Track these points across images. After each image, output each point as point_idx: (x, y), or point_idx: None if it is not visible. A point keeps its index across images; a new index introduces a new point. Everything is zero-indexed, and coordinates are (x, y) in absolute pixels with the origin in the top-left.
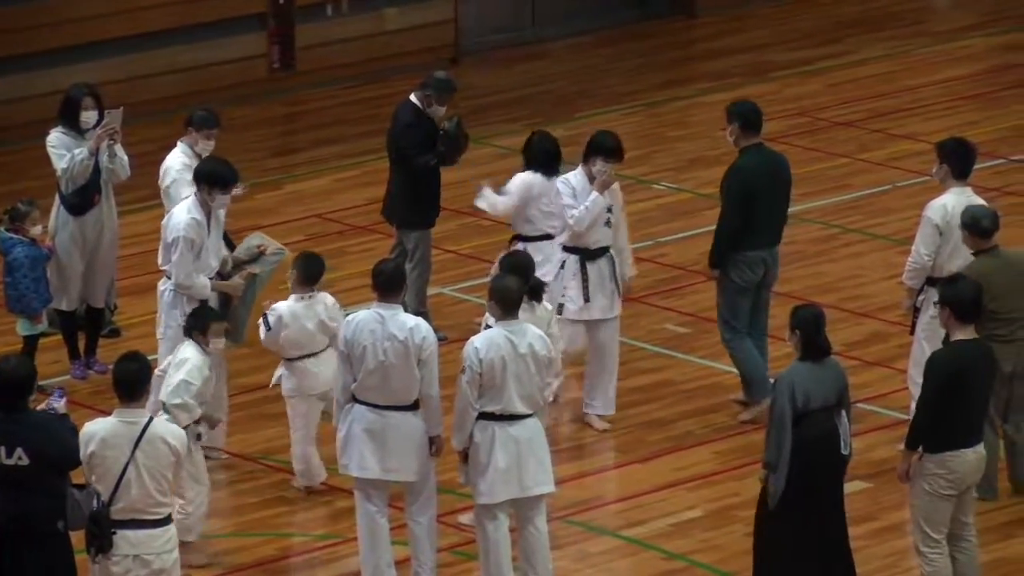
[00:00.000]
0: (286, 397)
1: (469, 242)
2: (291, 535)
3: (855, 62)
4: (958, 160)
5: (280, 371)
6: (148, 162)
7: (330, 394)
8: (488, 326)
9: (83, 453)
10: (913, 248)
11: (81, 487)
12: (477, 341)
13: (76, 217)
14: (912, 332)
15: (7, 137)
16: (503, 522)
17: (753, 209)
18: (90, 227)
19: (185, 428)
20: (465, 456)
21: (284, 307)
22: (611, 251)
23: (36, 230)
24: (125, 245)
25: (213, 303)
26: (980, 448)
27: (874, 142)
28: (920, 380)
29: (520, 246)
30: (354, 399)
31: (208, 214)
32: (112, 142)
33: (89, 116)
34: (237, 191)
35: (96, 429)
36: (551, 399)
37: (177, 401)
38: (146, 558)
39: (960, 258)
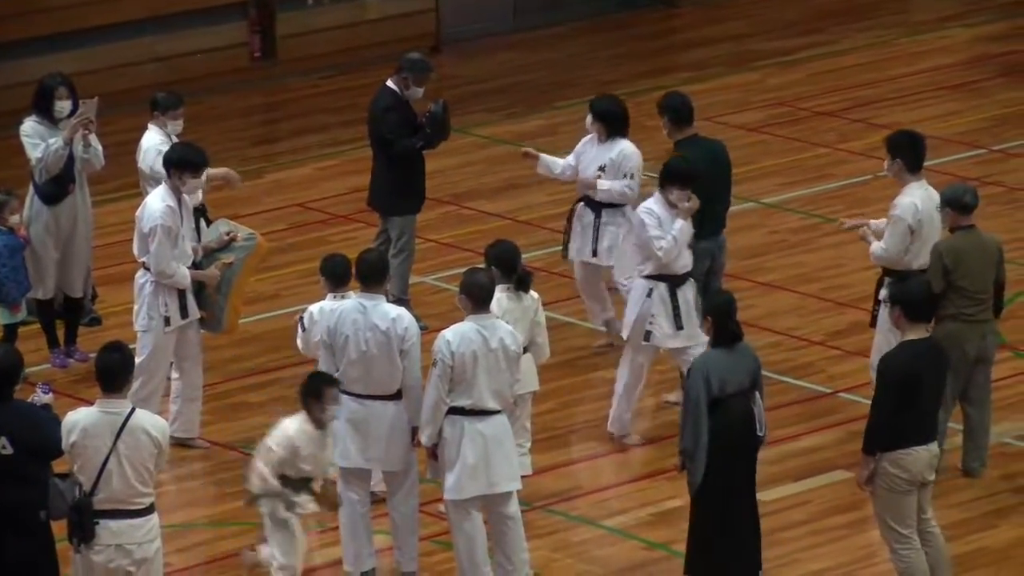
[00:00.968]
0: None
1: (450, 231)
2: None
3: (837, 52)
4: (911, 153)
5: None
6: (124, 152)
7: None
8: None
9: (65, 442)
10: (883, 244)
11: (63, 476)
12: (448, 334)
13: (50, 207)
14: (872, 324)
15: None
16: (475, 516)
17: None
18: (64, 217)
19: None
20: (434, 453)
21: (316, 307)
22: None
23: (14, 219)
24: (100, 235)
25: (190, 291)
26: (933, 446)
27: (855, 132)
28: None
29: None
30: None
31: (179, 200)
32: (87, 132)
33: (63, 105)
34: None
35: (78, 418)
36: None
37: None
38: (128, 548)
39: (924, 256)
